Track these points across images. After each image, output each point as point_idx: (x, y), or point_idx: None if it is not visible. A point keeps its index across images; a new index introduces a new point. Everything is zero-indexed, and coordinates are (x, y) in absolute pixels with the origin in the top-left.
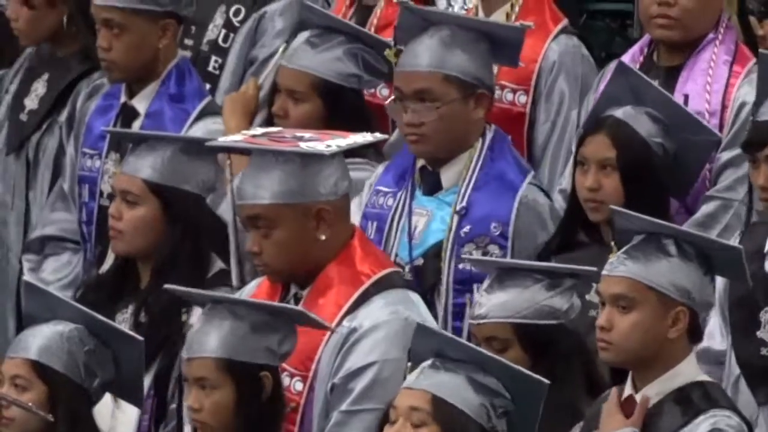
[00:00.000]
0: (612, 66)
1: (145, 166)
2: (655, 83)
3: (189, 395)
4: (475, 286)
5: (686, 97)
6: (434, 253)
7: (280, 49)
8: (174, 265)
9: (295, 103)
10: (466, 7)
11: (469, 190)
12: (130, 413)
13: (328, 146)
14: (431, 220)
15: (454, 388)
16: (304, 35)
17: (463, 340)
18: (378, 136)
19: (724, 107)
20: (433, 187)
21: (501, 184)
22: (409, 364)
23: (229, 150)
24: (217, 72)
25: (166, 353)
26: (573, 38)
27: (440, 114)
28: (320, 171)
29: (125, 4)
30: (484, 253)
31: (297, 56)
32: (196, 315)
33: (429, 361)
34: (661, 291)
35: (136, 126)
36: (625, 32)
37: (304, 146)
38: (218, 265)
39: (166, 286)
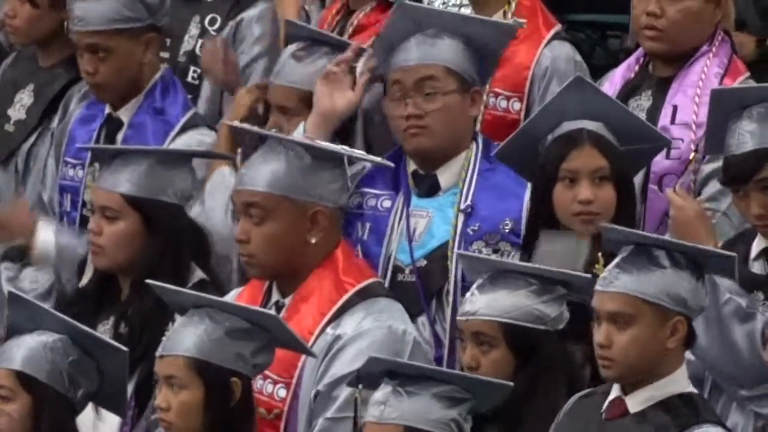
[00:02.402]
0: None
1: (122, 180)
2: (648, 93)
3: (158, 394)
4: None
5: (675, 108)
6: (440, 254)
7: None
8: (154, 276)
9: (289, 118)
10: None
11: (471, 190)
12: (111, 422)
13: (344, 149)
14: (432, 221)
15: (423, 412)
16: (290, 49)
17: (412, 362)
18: (387, 162)
19: None
20: (429, 189)
21: (504, 180)
22: (360, 386)
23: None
24: (196, 82)
25: (147, 363)
26: (566, 44)
27: (443, 103)
28: (326, 174)
29: (107, 26)
30: (495, 251)
31: (283, 72)
32: None
33: (389, 388)
34: (657, 303)
35: (119, 136)
36: (605, 43)
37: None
38: (198, 275)
39: (148, 281)
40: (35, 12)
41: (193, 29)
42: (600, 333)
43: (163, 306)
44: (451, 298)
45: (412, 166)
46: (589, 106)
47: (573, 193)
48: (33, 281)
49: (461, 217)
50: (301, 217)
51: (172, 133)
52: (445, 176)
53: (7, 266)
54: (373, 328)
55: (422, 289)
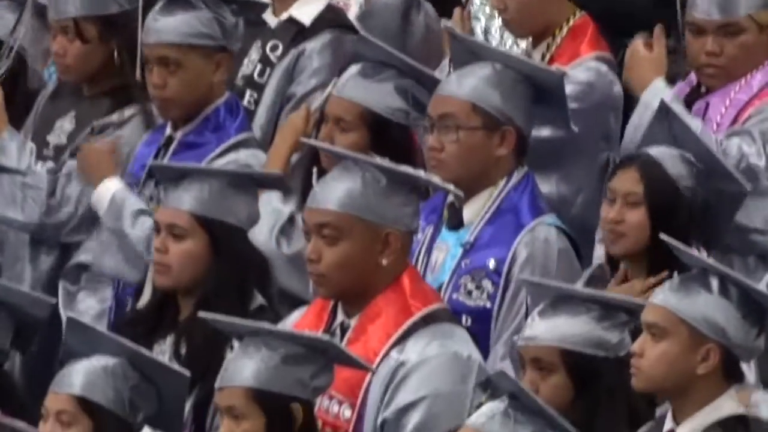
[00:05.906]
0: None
1: (191, 199)
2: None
3: (221, 425)
4: (464, 317)
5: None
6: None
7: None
8: (218, 299)
9: (342, 132)
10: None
11: (481, 225)
12: None
13: (422, 174)
14: (448, 255)
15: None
16: (357, 66)
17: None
18: (458, 191)
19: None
20: (458, 222)
21: (512, 219)
22: (484, 396)
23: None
24: (252, 107)
25: (205, 384)
26: (603, 65)
27: (460, 140)
28: (401, 198)
29: (181, 40)
30: (478, 287)
31: (348, 86)
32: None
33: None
34: (692, 325)
35: (170, 151)
36: None
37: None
38: (258, 300)
39: (201, 313)
40: (85, 48)
41: (254, 53)
42: (637, 341)
43: None
44: None
45: (450, 197)
46: (675, 141)
47: (609, 210)
48: (87, 306)
49: (461, 252)
50: (373, 239)
51: (224, 146)
52: (468, 211)
53: (64, 285)
54: (438, 354)
55: None
